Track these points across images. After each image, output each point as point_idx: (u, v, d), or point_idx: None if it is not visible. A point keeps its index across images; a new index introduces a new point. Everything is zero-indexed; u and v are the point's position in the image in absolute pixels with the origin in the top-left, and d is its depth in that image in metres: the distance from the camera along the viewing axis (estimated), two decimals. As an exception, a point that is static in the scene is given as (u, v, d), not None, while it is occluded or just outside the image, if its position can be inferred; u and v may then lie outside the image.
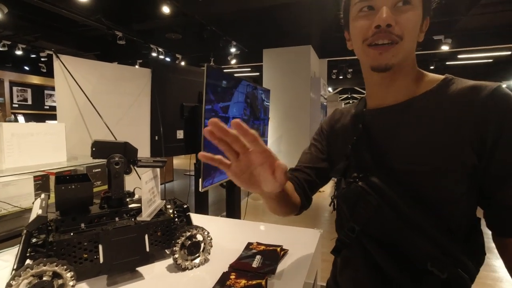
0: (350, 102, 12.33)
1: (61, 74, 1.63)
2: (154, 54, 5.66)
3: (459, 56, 6.17)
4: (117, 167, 0.74)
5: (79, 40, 5.73)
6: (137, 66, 6.06)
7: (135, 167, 0.81)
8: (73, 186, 0.68)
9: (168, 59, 6.15)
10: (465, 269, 0.50)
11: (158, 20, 4.50)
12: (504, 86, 0.54)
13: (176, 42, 5.65)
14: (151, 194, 0.77)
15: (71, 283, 0.58)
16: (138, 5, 4.29)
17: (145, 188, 0.74)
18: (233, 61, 6.03)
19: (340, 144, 0.72)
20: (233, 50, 5.56)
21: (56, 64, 1.63)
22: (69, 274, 0.58)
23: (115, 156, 0.74)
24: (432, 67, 6.70)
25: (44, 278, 0.56)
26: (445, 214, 0.53)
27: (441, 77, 0.62)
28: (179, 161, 7.56)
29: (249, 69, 7.58)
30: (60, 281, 0.58)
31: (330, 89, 11.39)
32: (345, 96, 13.66)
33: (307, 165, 0.79)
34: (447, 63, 6.76)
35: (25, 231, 0.60)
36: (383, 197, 0.53)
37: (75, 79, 1.65)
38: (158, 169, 0.83)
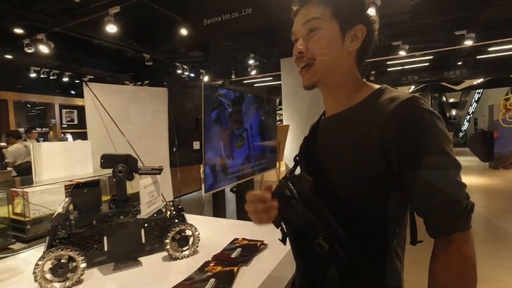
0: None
1: (90, 98, 1.92)
2: (179, 71, 6.04)
3: (490, 49, 5.83)
4: (120, 174, 0.92)
5: (115, 64, 6.35)
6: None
7: (139, 174, 0.98)
8: (85, 190, 0.87)
9: (192, 74, 6.53)
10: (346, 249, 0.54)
11: (180, 40, 4.85)
12: (420, 97, 0.56)
13: (199, 58, 6.02)
14: (150, 196, 0.93)
15: (82, 265, 0.76)
16: (162, 28, 4.65)
17: (143, 191, 0.90)
18: (253, 72, 6.23)
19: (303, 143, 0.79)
20: (251, 62, 5.74)
21: (86, 90, 1.92)
22: (80, 258, 0.76)
23: (118, 166, 0.92)
24: (459, 63, 6.39)
25: (62, 261, 0.74)
26: (351, 209, 0.58)
27: (376, 87, 0.65)
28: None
29: (271, 78, 7.72)
30: (74, 264, 0.76)
31: None
32: None
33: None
34: (477, 57, 6.40)
35: (50, 225, 0.79)
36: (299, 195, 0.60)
37: (101, 102, 1.92)
38: (157, 176, 1.00)
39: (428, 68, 7.13)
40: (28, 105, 6.64)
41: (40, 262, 0.72)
